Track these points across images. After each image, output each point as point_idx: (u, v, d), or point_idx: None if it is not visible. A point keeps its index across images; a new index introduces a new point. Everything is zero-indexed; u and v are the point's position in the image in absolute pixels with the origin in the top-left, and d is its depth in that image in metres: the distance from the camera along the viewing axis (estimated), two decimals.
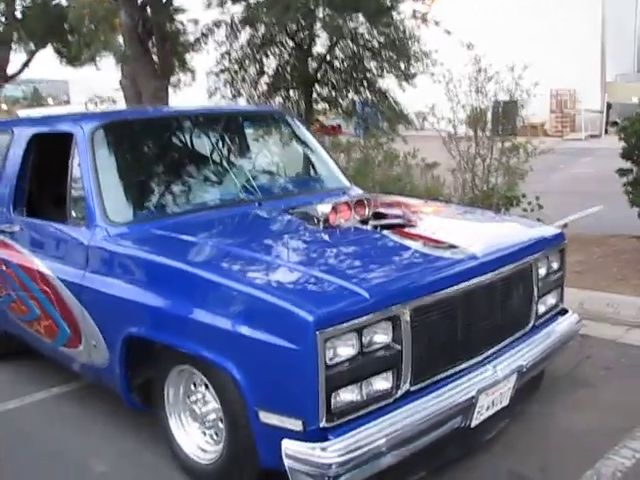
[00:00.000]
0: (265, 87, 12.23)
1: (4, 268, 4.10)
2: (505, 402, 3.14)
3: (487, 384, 2.95)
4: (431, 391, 2.80)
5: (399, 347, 2.66)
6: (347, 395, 2.56)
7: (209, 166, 3.93)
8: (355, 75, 12.08)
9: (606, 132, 26.75)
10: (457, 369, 2.95)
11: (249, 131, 4.36)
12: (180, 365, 3.04)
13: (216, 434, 3.02)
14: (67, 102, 29.27)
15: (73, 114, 4.24)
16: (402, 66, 11.69)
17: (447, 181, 9.10)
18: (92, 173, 3.51)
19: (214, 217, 3.61)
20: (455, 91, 9.01)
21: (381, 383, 2.66)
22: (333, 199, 3.89)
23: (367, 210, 3.55)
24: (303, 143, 4.54)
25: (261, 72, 12.26)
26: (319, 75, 12.15)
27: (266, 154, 4.33)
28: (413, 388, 2.75)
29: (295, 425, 2.49)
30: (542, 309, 3.52)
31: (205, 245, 3.20)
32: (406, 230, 3.29)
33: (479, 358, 3.05)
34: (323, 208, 3.41)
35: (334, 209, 3.39)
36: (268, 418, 2.56)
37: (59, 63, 13.23)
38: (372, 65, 11.95)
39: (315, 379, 2.42)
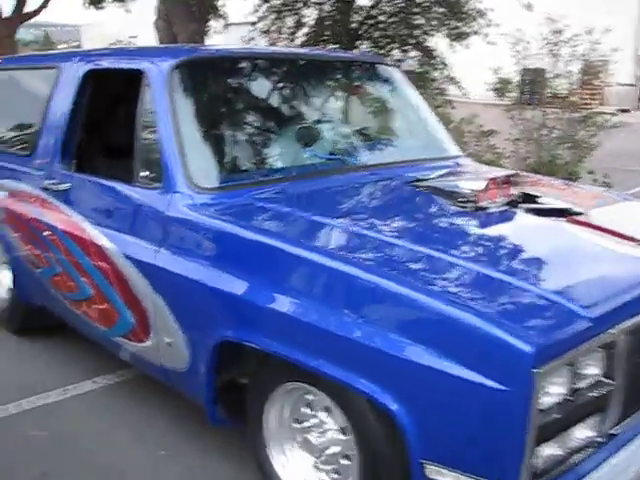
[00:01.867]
0: (303, 39, 11.39)
1: (47, 234, 3.37)
2: None
3: None
4: (634, 433, 2.11)
5: (612, 381, 1.96)
6: (549, 448, 1.87)
7: (311, 122, 3.16)
8: (401, 32, 11.22)
9: (638, 107, 25.78)
10: None
11: (354, 83, 3.58)
12: (292, 382, 2.34)
13: (336, 472, 2.33)
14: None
15: (140, 48, 3.44)
16: (453, 24, 10.87)
17: (506, 152, 8.38)
18: (171, 123, 2.75)
19: (325, 187, 2.86)
20: (523, 53, 8.28)
21: (584, 429, 1.97)
22: (454, 170, 3.19)
23: (513, 190, 2.82)
24: (411, 102, 3.76)
25: (299, 24, 11.42)
26: (361, 31, 11.30)
27: (372, 112, 3.55)
28: (615, 431, 2.06)
29: None
30: None
31: (334, 226, 2.43)
32: (582, 220, 2.56)
33: None
34: (472, 185, 2.67)
35: (486, 187, 2.66)
36: (440, 475, 1.87)
37: (82, 4, 12.30)
38: (420, 22, 11.10)
39: (523, 430, 1.72)
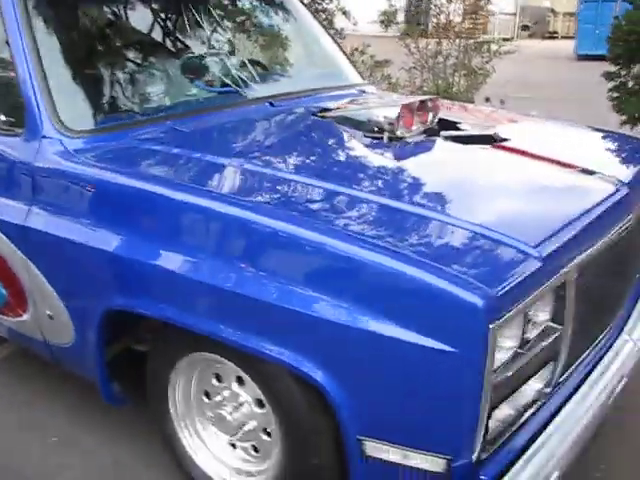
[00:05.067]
0: None
1: None
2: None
3: (632, 364, 2.13)
4: (582, 379, 1.95)
5: (559, 327, 1.76)
6: (502, 410, 1.66)
7: (198, 53, 2.74)
8: None
9: (518, 36, 26.35)
10: (598, 341, 2.11)
11: (241, 9, 3.15)
12: (197, 352, 2.01)
13: (255, 449, 2.05)
14: None
15: None
16: None
17: (400, 81, 8.18)
18: (30, 52, 2.25)
19: (219, 123, 2.49)
20: None
21: (536, 383, 1.77)
22: (361, 98, 2.89)
23: (430, 116, 2.56)
24: (306, 28, 3.40)
25: None
26: None
27: (265, 40, 3.16)
28: (562, 377, 1.88)
29: (434, 465, 1.56)
30: None
31: (229, 166, 2.07)
32: (510, 146, 2.33)
33: (615, 323, 2.22)
34: (385, 112, 2.37)
35: (400, 114, 2.37)
36: (382, 452, 1.61)
37: None
38: None
39: (478, 396, 1.48)
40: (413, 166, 2.18)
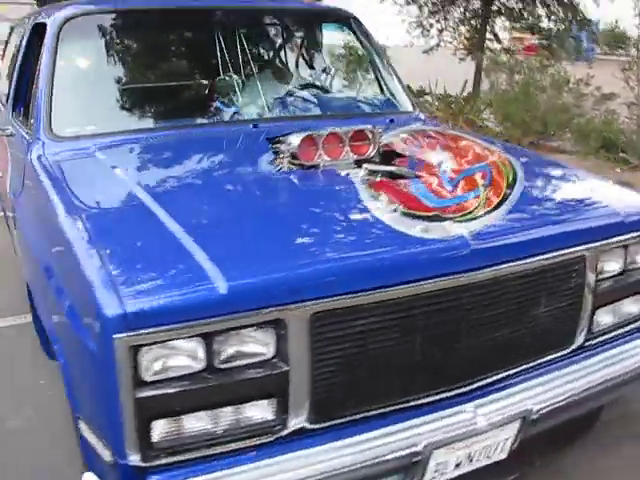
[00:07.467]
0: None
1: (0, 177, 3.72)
2: (500, 455, 2.14)
3: (450, 436, 1.97)
4: (346, 434, 1.90)
5: (285, 367, 1.77)
6: (190, 424, 1.74)
7: (200, 70, 3.17)
8: None
9: None
10: (408, 405, 1.99)
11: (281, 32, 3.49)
12: None
13: None
14: None
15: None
16: None
17: (620, 117, 7.47)
18: (47, 73, 2.90)
19: (178, 140, 2.84)
20: None
21: (255, 412, 1.80)
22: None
23: (371, 147, 2.59)
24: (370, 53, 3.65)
25: None
26: None
27: (299, 61, 3.46)
28: (313, 426, 1.87)
29: (104, 454, 1.74)
30: (605, 321, 2.39)
31: (111, 177, 2.45)
32: (394, 184, 2.30)
33: (454, 392, 2.05)
34: (293, 139, 2.51)
35: (307, 142, 2.48)
36: (86, 432, 1.84)
37: None
38: None
39: (116, 398, 1.62)
40: (260, 191, 2.35)
